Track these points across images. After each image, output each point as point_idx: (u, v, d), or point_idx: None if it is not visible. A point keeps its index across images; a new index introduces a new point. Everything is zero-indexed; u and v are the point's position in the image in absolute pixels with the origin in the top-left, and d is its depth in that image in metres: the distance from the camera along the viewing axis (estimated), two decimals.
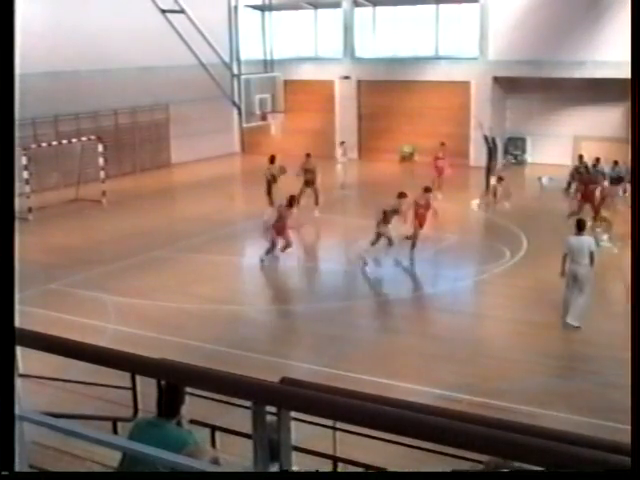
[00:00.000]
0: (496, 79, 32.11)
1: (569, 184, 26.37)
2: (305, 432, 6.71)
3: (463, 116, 32.76)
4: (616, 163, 26.98)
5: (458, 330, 14.08)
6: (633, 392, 4.04)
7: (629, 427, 8.06)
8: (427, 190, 19.76)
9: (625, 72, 20.27)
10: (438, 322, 14.51)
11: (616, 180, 26.44)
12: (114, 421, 8.10)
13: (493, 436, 3.01)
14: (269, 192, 23.55)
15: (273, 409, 3.23)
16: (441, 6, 32.92)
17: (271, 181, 23.56)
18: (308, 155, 25.10)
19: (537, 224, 21.54)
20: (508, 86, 32.48)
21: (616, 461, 3.09)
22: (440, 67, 32.76)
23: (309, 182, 23.89)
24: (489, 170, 25.89)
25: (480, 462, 4.50)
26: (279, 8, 34.70)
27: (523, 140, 32.93)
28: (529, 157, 32.93)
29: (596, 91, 30.47)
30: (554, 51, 30.16)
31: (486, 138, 27.20)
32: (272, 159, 24.36)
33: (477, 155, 32.60)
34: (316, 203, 23.58)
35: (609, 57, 29.50)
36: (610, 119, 31.09)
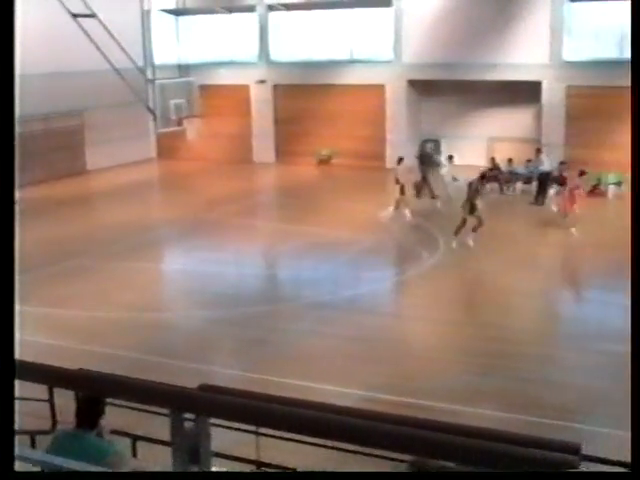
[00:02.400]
0: (411, 82, 32.47)
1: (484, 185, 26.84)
2: (234, 438, 6.67)
3: (379, 119, 33.05)
4: (529, 162, 27.65)
5: (380, 331, 14.16)
6: (633, 393, 4.10)
7: (549, 421, 8.30)
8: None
9: (535, 74, 20.84)
10: (359, 323, 14.57)
11: (529, 179, 27.09)
12: (32, 435, 7.91)
13: (413, 436, 3.02)
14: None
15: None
16: (355, 10, 33.14)
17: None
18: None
19: (453, 224, 21.83)
20: (423, 89, 32.88)
21: (549, 458, 3.14)
22: (355, 70, 32.97)
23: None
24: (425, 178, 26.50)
25: (403, 462, 4.52)
26: (193, 12, 34.46)
27: (438, 142, 33.35)
28: (444, 158, 33.38)
29: (508, 93, 31.08)
30: (467, 54, 30.65)
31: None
32: (399, 160, 24.30)
33: (393, 157, 32.94)
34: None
35: (520, 60, 30.15)
36: (522, 120, 31.77)
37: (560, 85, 30.39)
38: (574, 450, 3.90)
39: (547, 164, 26.39)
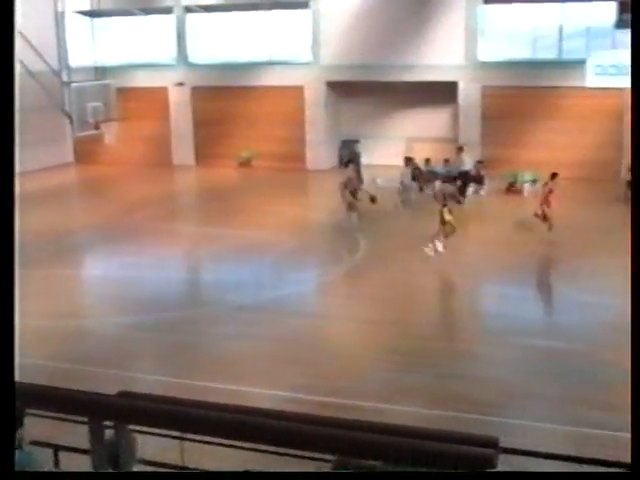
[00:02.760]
0: (329, 83, 32.63)
1: (420, 185, 27.21)
2: (161, 444, 6.60)
3: (298, 120, 33.12)
4: (447, 161, 28.04)
5: (303, 332, 14.20)
6: (633, 392, 4.17)
7: (471, 416, 8.44)
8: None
9: (451, 75, 21.17)
10: (284, 325, 14.58)
11: (448, 178, 27.45)
12: None
13: (337, 436, 3.05)
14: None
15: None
16: (273, 12, 33.15)
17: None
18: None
19: (374, 224, 22.02)
20: (341, 90, 33.06)
21: (472, 453, 3.20)
22: (274, 72, 32.97)
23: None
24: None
25: (328, 461, 4.55)
26: (109, 14, 34.00)
27: (357, 142, 33.57)
28: (363, 159, 33.59)
29: (426, 94, 31.48)
30: (385, 55, 30.95)
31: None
32: (347, 163, 24.20)
33: (314, 159, 33.06)
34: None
35: (436, 61, 30.59)
36: (439, 120, 32.24)
37: (476, 85, 30.93)
38: (493, 444, 3.98)
39: (469, 163, 26.81)
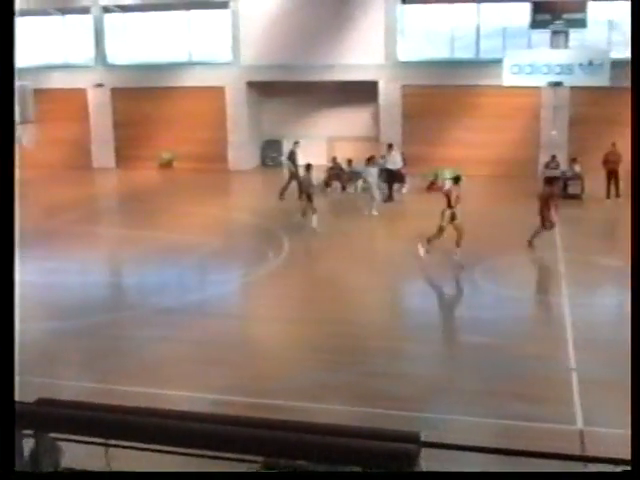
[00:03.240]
0: (250, 84, 32.57)
1: (327, 183, 27.32)
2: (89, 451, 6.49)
3: (220, 121, 32.98)
4: (369, 160, 28.20)
5: (229, 333, 14.12)
6: (633, 392, 4.20)
7: (396, 412, 8.49)
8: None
9: (371, 74, 21.34)
10: (208, 327, 14.48)
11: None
12: None
13: (262, 437, 3.04)
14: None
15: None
16: (192, 12, 32.92)
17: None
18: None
19: (296, 223, 22.05)
20: (263, 90, 33.04)
21: (389, 449, 3.22)
22: (195, 72, 32.76)
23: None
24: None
25: (256, 462, 4.54)
26: (24, 14, 33.24)
27: (279, 143, 33.60)
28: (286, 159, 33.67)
29: (347, 93, 31.72)
30: (305, 55, 31.03)
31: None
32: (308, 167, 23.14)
33: (236, 159, 32.95)
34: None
35: (356, 60, 30.81)
36: (360, 120, 32.48)
37: (396, 85, 31.25)
38: (414, 439, 4.02)
39: (399, 161, 27.01)
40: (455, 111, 30.98)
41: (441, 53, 31.60)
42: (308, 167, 22.37)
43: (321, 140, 32.28)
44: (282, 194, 26.13)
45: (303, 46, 31.04)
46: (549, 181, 20.40)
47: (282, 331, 14.31)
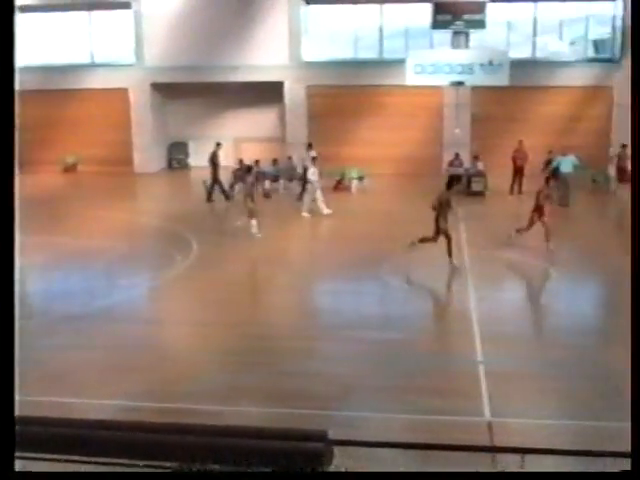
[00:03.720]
0: (154, 85, 32.23)
1: (232, 185, 27.25)
2: None
3: (124, 123, 32.54)
4: (275, 161, 28.30)
5: (138, 338, 13.93)
6: (633, 392, 4.22)
7: (308, 412, 8.46)
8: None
9: (276, 75, 21.32)
10: (117, 333, 14.26)
11: (276, 178, 27.77)
12: None
13: (173, 442, 3.02)
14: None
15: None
16: (94, 13, 32.37)
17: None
18: (257, 162, 25.43)
19: (204, 226, 21.93)
20: (167, 92, 32.72)
21: (296, 448, 3.22)
22: (98, 74, 32.24)
23: None
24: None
25: (169, 467, 4.50)
26: None
27: (185, 144, 33.38)
28: (192, 161, 33.44)
29: (252, 94, 31.70)
30: (210, 56, 30.87)
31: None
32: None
33: (141, 162, 32.56)
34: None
35: (261, 61, 30.79)
36: (266, 120, 32.50)
37: (301, 85, 31.39)
38: (321, 437, 4.05)
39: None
40: (360, 111, 31.28)
41: (345, 53, 31.86)
42: (249, 169, 22.20)
43: (227, 141, 32.14)
44: (209, 197, 26.05)
45: (208, 47, 30.86)
46: (546, 180, 19.75)
47: (192, 334, 14.20)
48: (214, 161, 26.80)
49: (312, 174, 24.08)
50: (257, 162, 28.09)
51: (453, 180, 19.45)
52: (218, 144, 27.27)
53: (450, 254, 17.64)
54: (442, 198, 18.11)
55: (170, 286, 17.24)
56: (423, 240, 18.04)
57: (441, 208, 17.83)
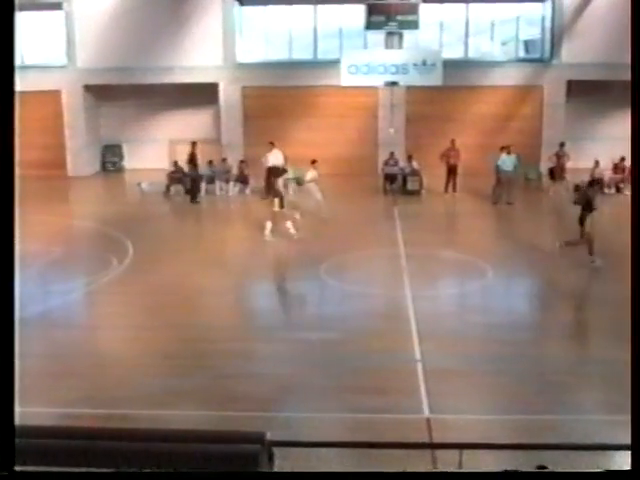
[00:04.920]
0: (87, 87, 31.80)
1: (168, 187, 27.09)
2: None
3: (57, 126, 32.04)
4: (211, 163, 28.18)
5: (74, 344, 13.74)
6: (633, 392, 4.22)
7: (248, 414, 8.44)
8: None
9: (211, 76, 21.15)
10: (52, 339, 14.05)
11: (211, 179, 27.65)
12: None
13: (110, 448, 3.00)
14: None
15: None
16: (23, 13, 31.78)
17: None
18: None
19: (141, 229, 21.73)
20: (100, 94, 32.33)
21: (233, 451, 3.23)
22: (28, 76, 31.59)
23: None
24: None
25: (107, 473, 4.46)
26: None
27: (119, 147, 33.00)
28: (127, 163, 33.08)
29: (187, 95, 31.50)
30: (143, 58, 30.57)
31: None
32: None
33: (75, 165, 32.11)
34: None
35: (196, 62, 30.61)
36: (202, 122, 32.31)
37: (236, 86, 31.30)
38: (259, 439, 4.06)
39: (279, 159, 27.04)
40: (296, 111, 31.33)
41: (280, 54, 31.86)
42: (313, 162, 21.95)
43: (162, 143, 31.92)
44: (194, 198, 25.92)
45: (141, 48, 30.56)
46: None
47: (130, 339, 14.05)
48: (192, 162, 26.61)
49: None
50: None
51: (594, 181, 19.22)
52: (194, 143, 27.08)
53: (591, 253, 17.66)
54: (587, 197, 17.97)
55: (106, 290, 17.04)
56: (569, 243, 18.21)
57: (585, 208, 17.79)
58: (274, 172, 25.08)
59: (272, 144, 27.23)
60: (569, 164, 27.55)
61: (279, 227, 20.77)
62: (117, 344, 14.01)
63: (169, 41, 30.64)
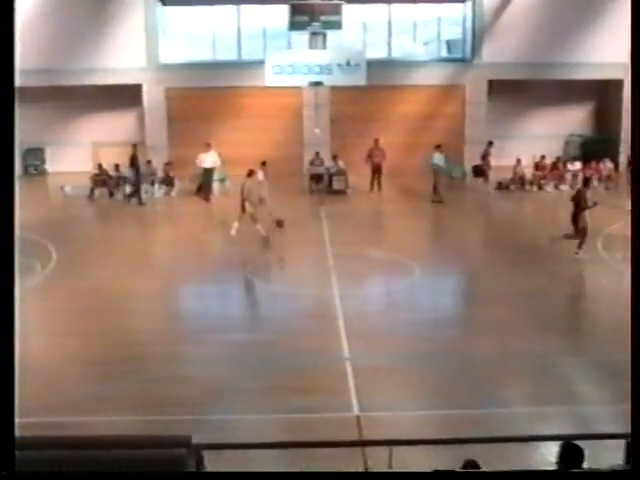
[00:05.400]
0: None
1: (92, 190, 26.70)
2: None
3: None
4: (132, 165, 27.86)
5: None
6: (633, 390, 4.19)
7: (178, 418, 8.37)
8: None
9: (134, 78, 20.88)
10: None
11: (134, 181, 27.34)
12: None
13: (35, 457, 2.94)
14: None
15: None
16: None
17: None
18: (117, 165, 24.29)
19: (65, 233, 21.36)
20: (21, 96, 31.11)
21: (158, 456, 3.20)
22: None
23: None
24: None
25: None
26: None
27: (42, 150, 32.35)
28: (49, 167, 32.44)
29: (110, 97, 31.06)
30: (65, 59, 30.06)
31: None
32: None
33: None
34: None
35: (118, 64, 30.22)
36: (126, 124, 31.90)
37: (159, 88, 31.00)
38: (185, 443, 4.04)
39: (212, 161, 26.84)
40: (221, 112, 31.17)
41: (204, 55, 31.66)
42: (250, 173, 21.43)
43: (85, 146, 31.41)
44: (140, 201, 25.54)
45: (62, 49, 30.01)
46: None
47: (55, 345, 13.80)
48: (135, 164, 26.17)
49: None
50: (117, 166, 27.59)
51: (587, 180, 20.11)
52: (134, 145, 26.63)
53: (580, 246, 18.29)
54: (580, 195, 18.68)
55: (30, 296, 16.67)
56: (567, 236, 18.60)
57: (579, 205, 18.44)
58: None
59: (209, 145, 27.02)
60: (492, 162, 28.04)
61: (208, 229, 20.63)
62: (42, 351, 13.74)
63: (91, 42, 30.17)
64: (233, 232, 20.20)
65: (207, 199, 26.15)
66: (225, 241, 20.42)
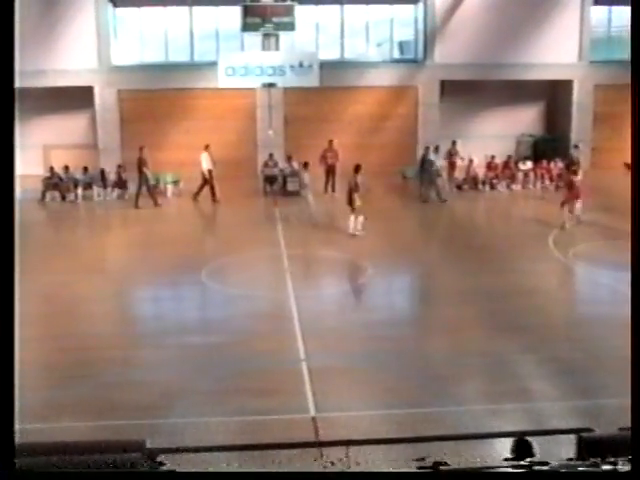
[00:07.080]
0: None
1: (43, 194, 26.41)
2: None
3: None
4: (86, 169, 27.62)
5: None
6: (633, 392, 4.16)
7: (132, 422, 8.31)
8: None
9: (86, 79, 20.65)
10: None
11: (88, 185, 27.10)
12: None
13: None
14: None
15: None
16: None
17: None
18: (66, 168, 21.85)
19: (16, 238, 21.03)
20: None
21: (123, 460, 3.17)
22: None
23: None
24: None
25: None
26: None
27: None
28: None
29: (61, 99, 30.77)
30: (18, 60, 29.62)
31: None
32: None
33: None
34: None
35: (68, 66, 29.94)
36: (77, 126, 31.60)
37: (111, 89, 30.75)
38: (138, 447, 4.01)
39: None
40: (174, 114, 31.00)
41: (156, 57, 31.46)
42: (305, 165, 22.41)
43: (36, 149, 31.01)
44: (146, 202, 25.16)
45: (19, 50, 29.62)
46: (567, 167, 22.21)
47: None
48: (141, 167, 25.69)
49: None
50: (67, 167, 27.30)
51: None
52: (141, 148, 26.07)
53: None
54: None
55: None
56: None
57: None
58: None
59: (207, 147, 26.65)
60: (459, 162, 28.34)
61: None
62: None
63: (41, 43, 29.80)
64: (359, 227, 20.85)
65: (156, 203, 25.70)
66: (180, 243, 20.31)
